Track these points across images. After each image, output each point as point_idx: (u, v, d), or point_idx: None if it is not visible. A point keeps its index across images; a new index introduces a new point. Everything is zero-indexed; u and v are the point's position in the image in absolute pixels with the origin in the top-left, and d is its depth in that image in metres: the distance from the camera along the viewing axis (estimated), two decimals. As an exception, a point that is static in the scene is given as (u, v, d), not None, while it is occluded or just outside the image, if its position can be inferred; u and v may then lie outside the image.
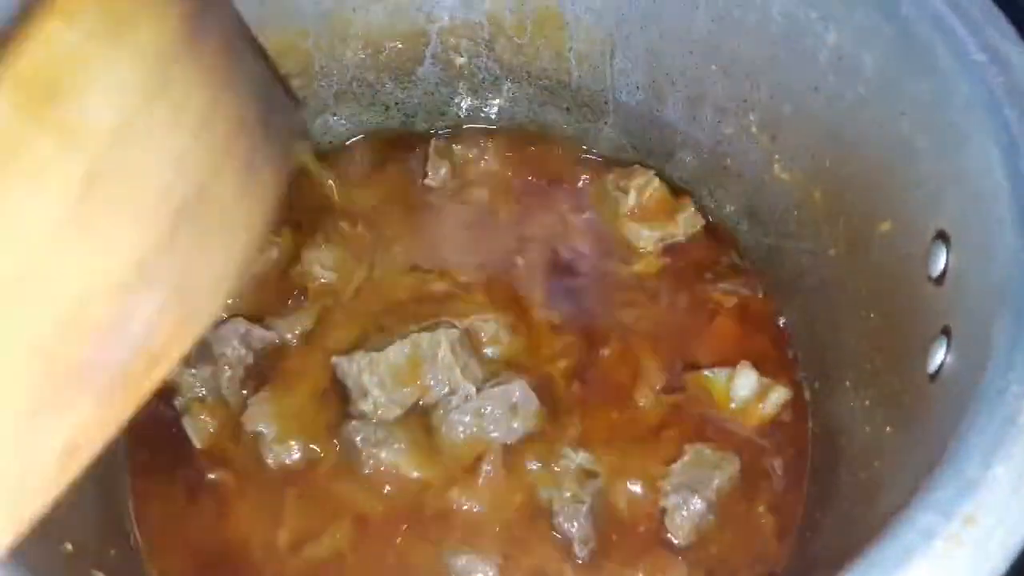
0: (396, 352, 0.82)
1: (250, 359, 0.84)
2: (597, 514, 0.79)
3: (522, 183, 0.99)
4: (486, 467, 0.81)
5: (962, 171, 0.63)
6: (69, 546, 0.64)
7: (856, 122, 0.75)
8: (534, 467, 0.81)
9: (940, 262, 0.64)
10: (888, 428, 0.69)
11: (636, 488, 0.81)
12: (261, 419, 0.82)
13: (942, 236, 0.64)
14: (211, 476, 0.81)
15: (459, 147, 1.01)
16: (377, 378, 0.82)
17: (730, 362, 0.86)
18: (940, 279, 0.64)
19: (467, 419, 0.82)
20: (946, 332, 0.62)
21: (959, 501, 0.46)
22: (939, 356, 0.62)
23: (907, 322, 0.69)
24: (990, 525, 0.45)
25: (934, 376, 0.62)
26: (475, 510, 0.80)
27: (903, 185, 0.70)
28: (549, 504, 0.79)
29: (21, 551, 0.44)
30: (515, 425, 0.83)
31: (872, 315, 0.76)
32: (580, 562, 0.77)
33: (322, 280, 0.91)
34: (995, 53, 0.62)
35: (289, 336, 0.87)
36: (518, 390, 0.83)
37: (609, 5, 0.90)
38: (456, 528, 0.79)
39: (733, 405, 0.85)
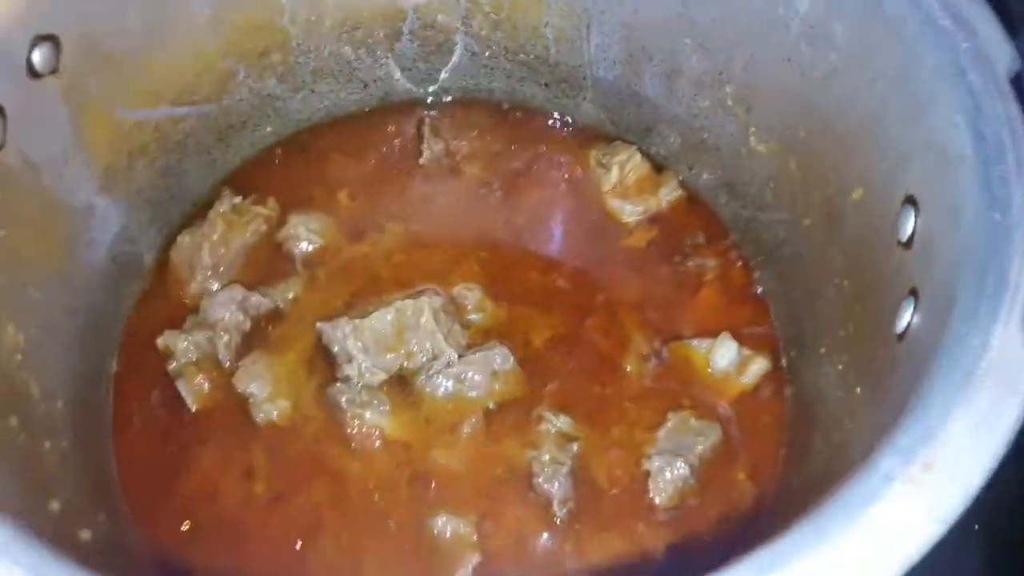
0: (380, 319, 0.84)
1: (247, 325, 0.86)
2: (576, 476, 0.81)
3: (505, 159, 1.01)
4: (466, 430, 0.83)
5: (929, 136, 0.64)
6: (56, 505, 0.65)
7: (828, 92, 0.76)
8: (514, 431, 0.83)
9: (909, 226, 0.65)
10: (859, 389, 0.70)
11: (617, 452, 0.82)
12: (252, 380, 0.83)
13: (911, 201, 0.66)
14: (198, 436, 0.83)
15: (447, 123, 1.02)
16: (361, 344, 0.83)
17: (713, 332, 0.87)
18: (908, 243, 0.65)
19: (449, 384, 0.84)
20: (913, 293, 0.63)
21: (919, 447, 0.47)
22: (906, 317, 0.63)
23: (878, 286, 0.70)
24: (948, 470, 0.46)
25: (901, 336, 0.63)
26: (455, 471, 0.81)
27: (874, 153, 0.72)
28: (528, 466, 0.81)
29: (9, 506, 0.45)
30: (496, 388, 0.84)
31: (845, 282, 0.78)
32: (558, 522, 0.79)
33: (308, 246, 0.92)
34: (960, 20, 0.63)
35: (280, 303, 0.88)
36: (499, 356, 0.85)
37: (582, -22, 0.91)
38: (436, 488, 0.80)
39: (714, 375, 0.86)
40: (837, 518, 0.45)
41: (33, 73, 0.71)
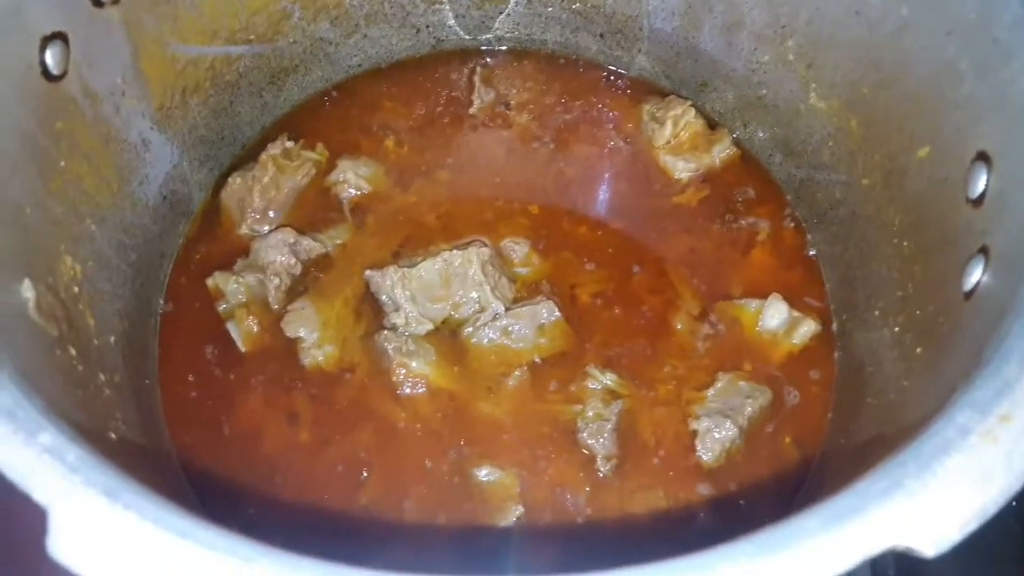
0: (428, 268, 0.84)
1: (297, 269, 0.86)
2: (621, 433, 0.80)
3: (557, 111, 1.00)
4: (511, 383, 0.82)
5: (1005, 90, 0.62)
6: (112, 436, 0.66)
7: (898, 46, 0.75)
8: (559, 385, 0.83)
9: (980, 183, 0.64)
10: (919, 349, 0.69)
11: (663, 410, 0.82)
12: (301, 325, 0.84)
13: (983, 157, 0.64)
14: (245, 377, 0.83)
15: (499, 73, 1.01)
16: (409, 293, 0.83)
17: (763, 293, 0.86)
18: (979, 200, 0.64)
19: (495, 336, 0.84)
20: (983, 251, 0.62)
21: (996, 400, 0.46)
22: (976, 275, 0.62)
23: (942, 246, 0.69)
24: (1025, 423, 0.45)
25: (969, 295, 0.62)
26: (500, 422, 0.81)
27: (944, 109, 0.70)
28: (573, 421, 0.81)
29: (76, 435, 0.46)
30: (542, 342, 0.84)
31: (905, 243, 0.76)
32: (602, 476, 0.79)
33: (356, 192, 0.92)
34: (1046, -31, 0.61)
35: (329, 248, 0.88)
36: (545, 310, 0.85)
37: (648, -73, 0.89)
38: (480, 439, 0.80)
39: (763, 335, 0.85)
40: (912, 469, 0.44)
41: (96, 2, 0.70)
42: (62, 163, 0.70)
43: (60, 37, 0.67)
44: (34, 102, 0.66)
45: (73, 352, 0.66)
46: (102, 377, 0.71)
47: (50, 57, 0.66)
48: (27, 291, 0.60)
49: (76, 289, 0.70)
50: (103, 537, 0.41)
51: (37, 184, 0.67)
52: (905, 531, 0.42)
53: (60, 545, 0.40)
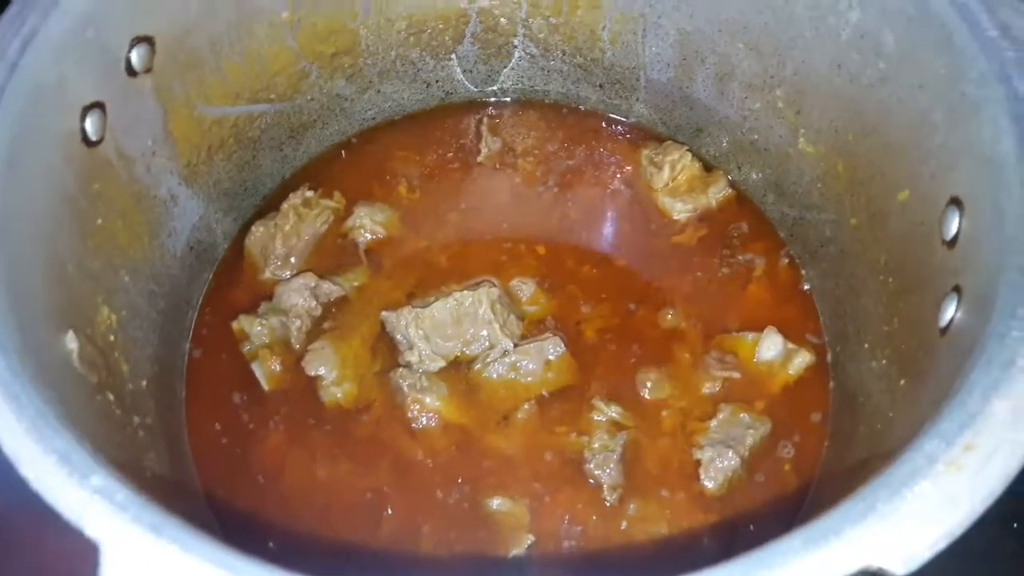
0: (440, 308, 0.89)
1: (318, 311, 0.91)
2: (627, 463, 0.84)
3: (560, 157, 1.05)
4: (520, 416, 0.87)
5: (975, 141, 0.66)
6: (147, 474, 0.71)
7: (877, 97, 0.79)
8: (566, 418, 0.87)
9: (953, 226, 0.68)
10: (902, 382, 0.73)
11: (666, 440, 0.86)
12: (320, 363, 0.88)
13: (956, 202, 0.69)
14: (268, 415, 0.88)
15: (505, 123, 1.07)
16: (422, 332, 0.88)
17: (760, 327, 0.91)
18: (953, 242, 0.68)
19: (504, 371, 0.88)
20: (956, 290, 0.66)
21: (960, 431, 0.51)
22: (949, 312, 0.66)
23: (922, 284, 0.73)
24: (987, 452, 0.49)
25: (944, 330, 0.66)
26: (510, 455, 0.85)
27: (920, 156, 0.74)
28: (580, 452, 0.85)
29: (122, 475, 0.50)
30: (549, 377, 0.88)
31: (890, 279, 0.81)
32: (608, 505, 0.83)
33: (371, 236, 0.97)
34: (1007, 30, 0.65)
35: (347, 291, 0.94)
36: (552, 346, 0.89)
37: (643, -14, 0.95)
38: (492, 471, 0.85)
39: (761, 367, 0.90)
40: (884, 494, 0.48)
41: (130, 71, 0.76)
42: (99, 221, 0.75)
43: (98, 106, 0.73)
44: (75, 167, 0.71)
45: (111, 397, 0.71)
46: (136, 419, 0.75)
47: (89, 124, 0.72)
48: (71, 342, 0.65)
49: (112, 337, 0.75)
50: (151, 569, 0.46)
51: (78, 242, 0.72)
52: (877, 552, 0.46)
53: (112, 576, 0.45)
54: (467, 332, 0.89)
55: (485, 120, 1.07)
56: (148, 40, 0.77)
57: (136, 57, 0.76)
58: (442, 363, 0.89)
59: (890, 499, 0.48)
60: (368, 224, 0.97)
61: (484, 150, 1.04)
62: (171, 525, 0.47)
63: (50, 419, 0.51)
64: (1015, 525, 0.89)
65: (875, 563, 0.46)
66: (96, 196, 0.74)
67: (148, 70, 0.78)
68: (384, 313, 0.90)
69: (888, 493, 0.48)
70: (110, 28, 0.73)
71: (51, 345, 0.63)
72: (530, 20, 1.01)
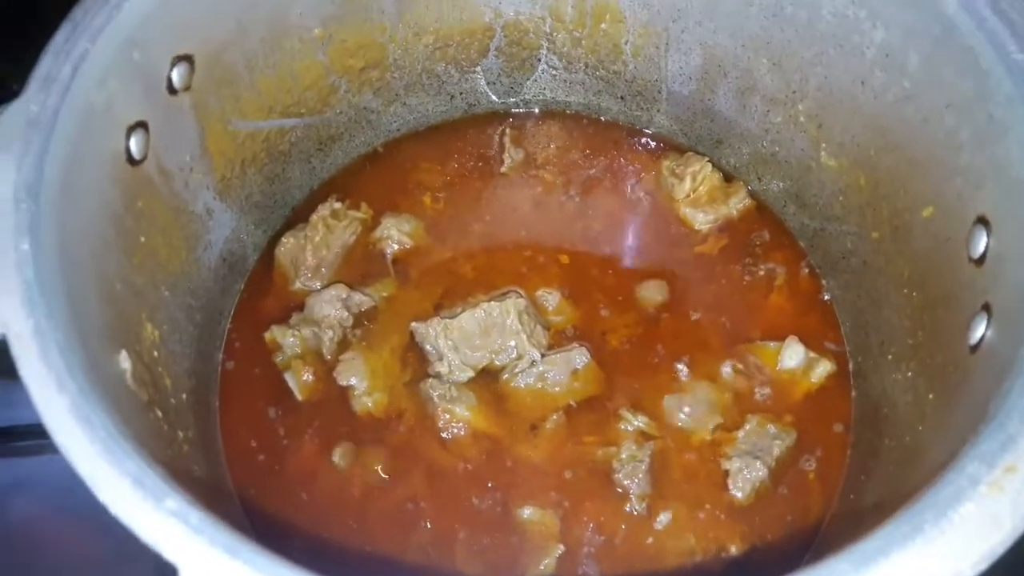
0: (468, 319, 0.90)
1: (349, 322, 0.92)
2: (655, 473, 0.86)
3: (582, 168, 1.06)
4: (549, 426, 0.89)
5: (1002, 162, 0.68)
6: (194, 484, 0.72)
7: (901, 115, 0.81)
8: (594, 427, 0.89)
9: (981, 245, 0.70)
10: (931, 396, 0.75)
11: (694, 450, 0.88)
12: (352, 374, 0.90)
13: (983, 221, 0.70)
14: (301, 424, 0.89)
15: (527, 134, 1.09)
16: (451, 342, 0.90)
17: (782, 336, 0.93)
18: (981, 260, 0.70)
19: (532, 381, 0.90)
20: (986, 308, 0.68)
21: (1001, 453, 0.53)
22: (980, 330, 0.68)
23: (948, 299, 0.75)
24: (1028, 473, 0.51)
25: (975, 348, 0.68)
26: (539, 464, 0.87)
27: (945, 174, 0.76)
28: (608, 462, 0.86)
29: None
30: (576, 387, 0.90)
31: (914, 294, 0.82)
32: (637, 515, 0.84)
33: (398, 246, 0.99)
34: (1033, 53, 0.67)
35: (377, 301, 0.95)
36: (578, 356, 0.91)
37: (666, 1, 0.96)
38: (522, 480, 0.87)
39: (783, 375, 0.92)
40: (931, 516, 0.50)
41: (171, 90, 0.78)
42: (142, 239, 0.77)
43: (142, 125, 0.74)
44: (121, 185, 0.73)
45: (159, 413, 0.72)
46: (180, 434, 0.77)
47: (134, 143, 0.73)
48: (124, 362, 0.67)
49: (155, 353, 0.77)
50: (225, 589, 0.47)
51: (123, 259, 0.73)
52: (924, 571, 0.48)
53: (190, 597, 0.47)
54: (495, 342, 0.91)
55: (507, 131, 1.08)
56: (188, 59, 0.78)
57: (176, 76, 0.78)
58: (471, 373, 0.90)
59: (936, 521, 0.50)
60: (395, 235, 0.99)
61: (507, 160, 1.05)
62: (244, 547, 0.49)
63: (120, 441, 0.52)
64: None
65: (923, 583, 0.48)
66: (139, 214, 0.76)
67: (187, 88, 0.79)
68: (414, 324, 0.92)
69: (934, 515, 0.50)
70: (153, 49, 0.74)
71: (108, 365, 0.64)
72: (554, 34, 1.02)
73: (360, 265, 0.98)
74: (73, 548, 0.94)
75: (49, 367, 0.55)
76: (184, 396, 0.82)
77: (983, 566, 0.48)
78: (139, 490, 0.50)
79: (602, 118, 1.09)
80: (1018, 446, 0.52)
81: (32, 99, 0.65)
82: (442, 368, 0.90)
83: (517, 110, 1.10)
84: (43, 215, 0.61)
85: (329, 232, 0.97)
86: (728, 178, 1.04)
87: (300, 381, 0.90)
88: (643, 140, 1.08)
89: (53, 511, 0.95)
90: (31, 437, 0.94)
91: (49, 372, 0.55)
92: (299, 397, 0.90)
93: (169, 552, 0.48)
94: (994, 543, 0.49)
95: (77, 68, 0.67)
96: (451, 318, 0.91)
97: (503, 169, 1.05)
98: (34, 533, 0.95)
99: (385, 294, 0.96)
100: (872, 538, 0.50)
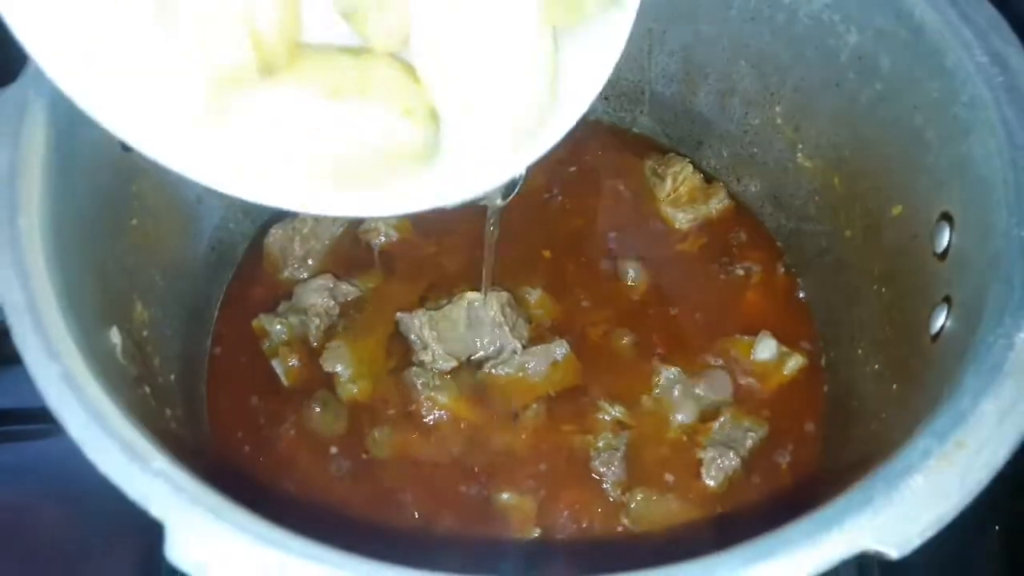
0: (453, 311, 0.93)
1: (336, 311, 0.94)
2: (630, 460, 0.88)
3: (566, 167, 1.09)
4: (529, 415, 0.91)
5: (965, 160, 0.71)
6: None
7: (873, 116, 0.84)
8: (572, 416, 0.91)
9: (944, 240, 0.73)
10: (895, 386, 0.78)
11: (669, 439, 0.90)
12: (337, 361, 0.92)
13: (946, 217, 0.73)
14: (287, 409, 0.91)
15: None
16: (436, 333, 0.92)
17: (755, 332, 0.95)
18: (943, 255, 0.73)
19: (513, 372, 0.92)
20: (947, 300, 0.71)
21: (952, 429, 0.55)
22: (940, 320, 0.71)
23: (914, 293, 0.78)
24: (976, 448, 0.54)
25: (935, 338, 0.71)
26: (518, 451, 0.89)
27: (913, 173, 0.79)
28: (586, 449, 0.89)
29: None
30: (555, 378, 0.92)
31: (883, 289, 0.85)
32: (612, 500, 0.87)
33: (385, 239, 1.01)
34: (997, 56, 0.70)
35: (363, 291, 0.98)
36: (558, 348, 0.93)
37: (648, 4, 0.98)
38: (501, 467, 0.89)
39: (755, 369, 0.94)
40: (881, 486, 0.53)
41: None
42: (134, 221, 0.79)
43: (136, 111, 0.76)
44: (113, 169, 0.75)
45: (148, 390, 0.74)
46: (168, 412, 0.79)
47: (127, 129, 0.76)
48: (115, 337, 0.69)
49: (145, 333, 0.79)
50: (209, 544, 0.49)
51: (115, 240, 0.76)
52: (875, 537, 0.51)
53: (175, 552, 0.49)
54: (478, 334, 0.93)
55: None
56: (183, 49, 0.81)
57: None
58: (454, 363, 0.93)
59: (887, 491, 0.52)
60: (382, 227, 1.01)
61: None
62: (228, 507, 0.51)
63: (110, 407, 0.55)
64: (996, 528, 0.94)
65: (872, 547, 0.50)
66: (131, 197, 0.78)
67: (181, 77, 0.82)
68: (399, 314, 0.94)
69: (885, 486, 0.53)
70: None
71: (100, 339, 0.67)
72: (541, 35, 1.05)
73: (347, 256, 1.01)
74: (66, 532, 0.95)
75: (41, 336, 0.57)
76: (172, 377, 0.84)
77: (929, 533, 0.51)
78: (127, 452, 0.52)
79: (586, 118, 1.11)
80: (968, 423, 0.55)
81: (28, 83, 0.67)
82: (426, 357, 0.92)
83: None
84: (37, 194, 0.63)
85: (317, 223, 1.00)
86: (708, 179, 1.07)
87: (286, 367, 0.92)
88: (626, 140, 1.11)
89: (49, 495, 0.97)
90: (28, 421, 0.96)
91: (42, 341, 0.57)
92: (285, 383, 0.92)
93: (156, 509, 0.50)
94: (942, 512, 0.52)
95: (74, 53, 0.69)
96: (436, 310, 0.94)
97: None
98: (29, 518, 0.97)
99: (371, 285, 0.99)
100: (825, 508, 0.52)
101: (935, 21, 0.74)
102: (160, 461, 0.52)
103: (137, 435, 0.54)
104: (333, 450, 0.89)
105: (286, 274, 0.98)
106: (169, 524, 0.50)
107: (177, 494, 0.51)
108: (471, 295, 0.94)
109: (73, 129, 0.68)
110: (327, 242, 1.00)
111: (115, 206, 0.75)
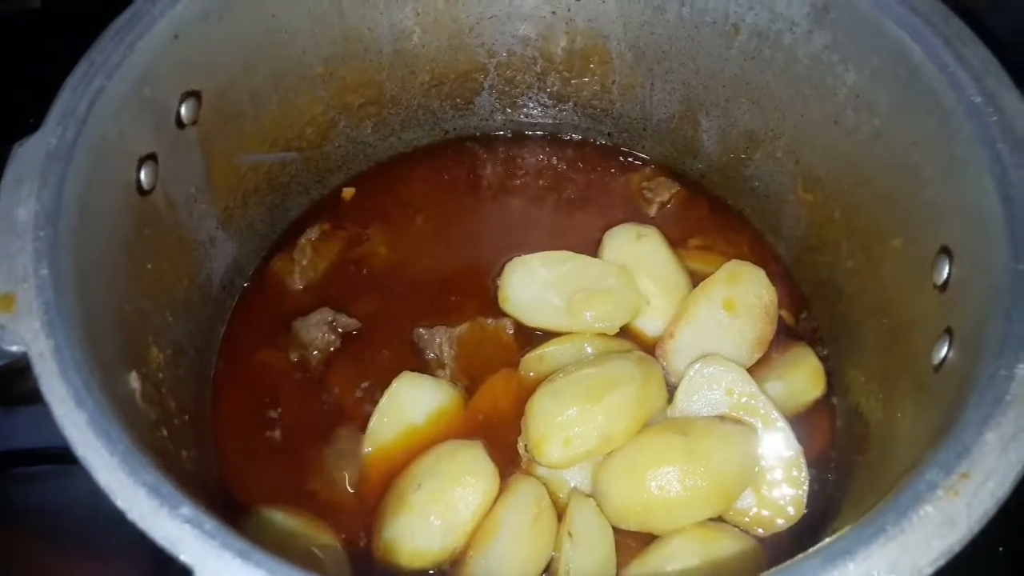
0: (468, 331, 0.95)
1: (337, 343, 0.96)
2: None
3: (564, 189, 1.11)
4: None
5: (962, 195, 0.73)
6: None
7: (871, 151, 0.86)
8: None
9: (944, 273, 0.75)
10: (899, 414, 0.79)
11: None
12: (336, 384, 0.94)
13: (945, 250, 0.75)
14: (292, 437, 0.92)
15: (512, 153, 1.14)
16: (454, 352, 0.94)
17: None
18: (944, 287, 0.75)
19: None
20: (948, 331, 0.72)
21: (957, 461, 0.57)
22: (942, 351, 0.72)
23: (915, 324, 0.79)
24: (981, 479, 0.56)
25: (938, 368, 0.72)
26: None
27: (912, 207, 0.81)
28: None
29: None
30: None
31: (884, 320, 0.87)
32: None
33: (384, 263, 1.03)
34: (991, 97, 0.72)
35: (362, 318, 0.98)
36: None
37: (651, 44, 1.01)
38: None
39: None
40: (892, 517, 0.54)
41: (180, 124, 0.82)
42: (149, 265, 0.80)
43: (152, 157, 0.78)
44: (131, 214, 0.77)
45: (165, 433, 0.76)
46: (184, 453, 0.80)
47: (143, 175, 0.78)
48: (134, 381, 0.70)
49: (161, 375, 0.80)
50: (239, 590, 0.51)
51: (132, 284, 0.77)
52: (887, 568, 0.52)
53: (205, 597, 0.50)
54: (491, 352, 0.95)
55: (493, 152, 1.13)
56: (196, 94, 0.83)
57: (185, 110, 0.82)
58: (467, 381, 0.94)
59: (897, 522, 0.54)
60: (382, 251, 1.03)
61: (490, 180, 1.10)
62: (257, 552, 0.52)
63: (136, 453, 0.56)
64: (1000, 549, 0.95)
65: (885, 579, 0.52)
66: (147, 241, 0.80)
67: (195, 122, 0.84)
68: (419, 329, 0.95)
69: (895, 516, 0.54)
70: (164, 85, 0.79)
71: (120, 384, 0.68)
72: (545, 74, 1.08)
73: (346, 282, 1.02)
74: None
75: (68, 384, 0.59)
76: (186, 418, 0.85)
77: (940, 562, 0.53)
78: (155, 498, 0.54)
79: (587, 145, 1.14)
80: (972, 455, 0.57)
81: (51, 132, 0.69)
82: (442, 375, 0.94)
83: (501, 133, 1.14)
84: (60, 242, 0.65)
85: (316, 254, 1.01)
86: (710, 208, 1.08)
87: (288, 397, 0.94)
88: (624, 165, 1.12)
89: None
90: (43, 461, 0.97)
91: (68, 388, 0.58)
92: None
93: (186, 555, 0.52)
94: (951, 542, 0.53)
95: (93, 103, 0.71)
96: (451, 327, 0.95)
97: (486, 188, 1.10)
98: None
99: (370, 310, 0.99)
100: (839, 538, 0.54)
101: (931, 62, 0.76)
102: (187, 507, 0.53)
103: (161, 480, 0.55)
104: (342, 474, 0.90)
105: (285, 308, 0.99)
106: (198, 570, 0.51)
107: (205, 539, 0.52)
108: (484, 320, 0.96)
109: (93, 176, 0.70)
110: (325, 271, 1.01)
111: (132, 250, 0.77)
